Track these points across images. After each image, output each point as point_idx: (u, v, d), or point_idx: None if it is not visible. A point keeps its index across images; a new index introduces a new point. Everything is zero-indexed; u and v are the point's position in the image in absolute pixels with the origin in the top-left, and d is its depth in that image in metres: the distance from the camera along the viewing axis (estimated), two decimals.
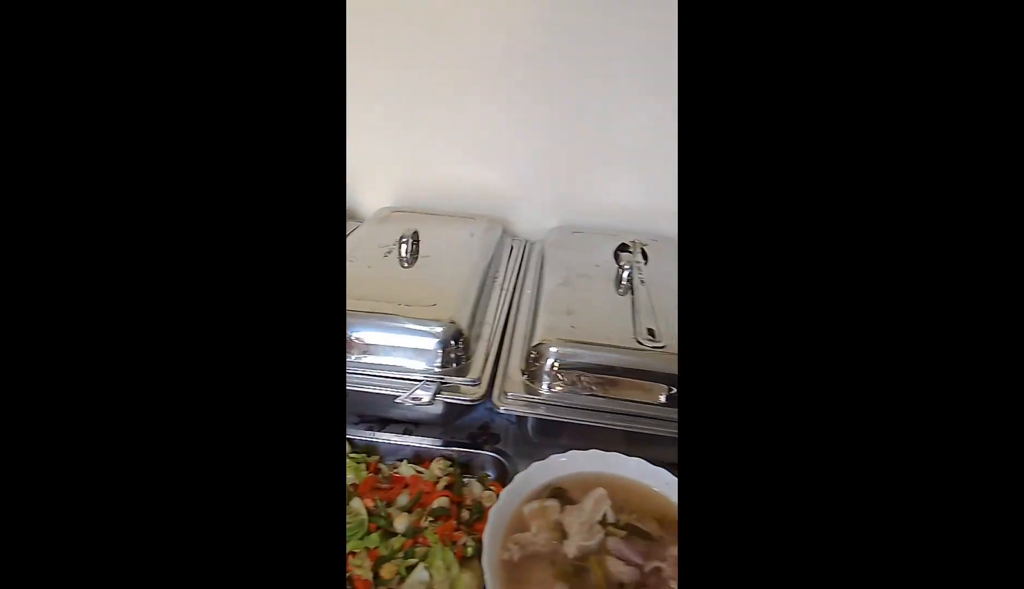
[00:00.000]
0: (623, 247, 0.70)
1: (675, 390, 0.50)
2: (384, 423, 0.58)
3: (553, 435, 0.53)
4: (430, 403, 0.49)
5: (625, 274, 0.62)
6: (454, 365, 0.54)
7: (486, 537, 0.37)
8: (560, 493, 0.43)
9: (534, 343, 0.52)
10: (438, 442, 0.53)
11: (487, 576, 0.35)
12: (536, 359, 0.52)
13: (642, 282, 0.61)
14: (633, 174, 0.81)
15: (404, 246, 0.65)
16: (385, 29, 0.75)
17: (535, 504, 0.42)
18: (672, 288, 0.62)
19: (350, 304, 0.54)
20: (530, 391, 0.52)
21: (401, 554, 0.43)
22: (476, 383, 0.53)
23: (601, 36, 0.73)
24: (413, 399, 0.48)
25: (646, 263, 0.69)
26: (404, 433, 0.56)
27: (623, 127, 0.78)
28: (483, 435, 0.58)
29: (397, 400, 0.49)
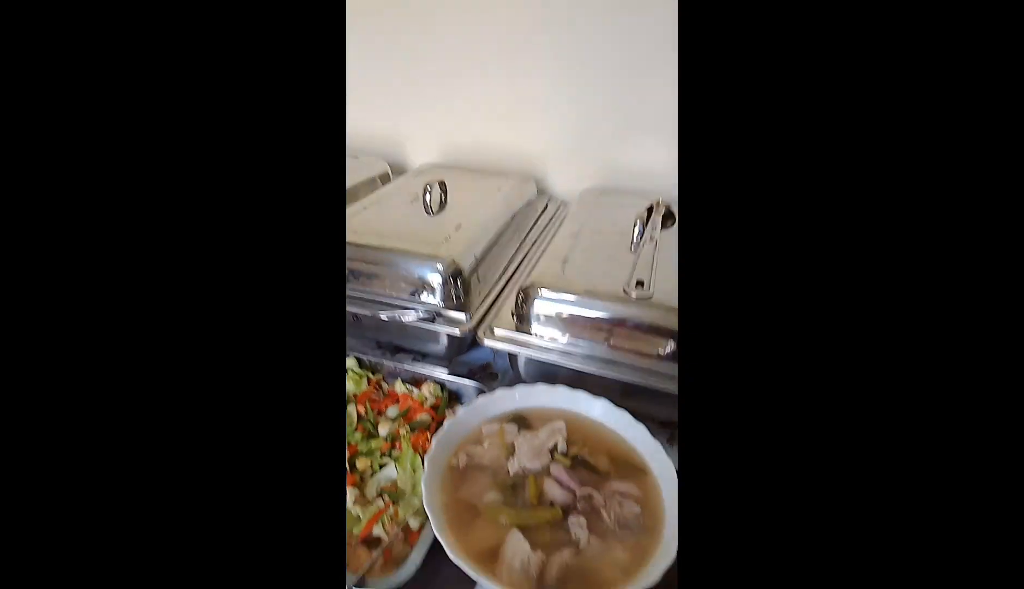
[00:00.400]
0: (650, 208, 0.68)
1: (664, 342, 0.49)
2: (396, 350, 0.64)
3: (547, 379, 0.55)
4: (409, 323, 0.54)
5: (636, 231, 0.60)
6: (454, 300, 0.58)
7: (435, 440, 0.41)
8: (521, 420, 0.45)
9: (524, 286, 0.54)
10: (441, 372, 0.58)
11: (425, 472, 0.38)
12: (524, 301, 0.53)
13: (651, 239, 0.59)
14: (666, 136, 0.77)
15: (429, 195, 0.70)
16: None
17: (495, 425, 0.45)
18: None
19: (371, 240, 0.60)
20: (521, 331, 0.54)
21: (378, 453, 0.48)
22: (468, 318, 0.56)
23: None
24: (389, 317, 0.53)
25: (672, 224, 0.66)
26: (412, 360, 0.62)
27: (660, 91, 0.74)
28: (482, 372, 0.62)
29: (383, 316, 0.54)
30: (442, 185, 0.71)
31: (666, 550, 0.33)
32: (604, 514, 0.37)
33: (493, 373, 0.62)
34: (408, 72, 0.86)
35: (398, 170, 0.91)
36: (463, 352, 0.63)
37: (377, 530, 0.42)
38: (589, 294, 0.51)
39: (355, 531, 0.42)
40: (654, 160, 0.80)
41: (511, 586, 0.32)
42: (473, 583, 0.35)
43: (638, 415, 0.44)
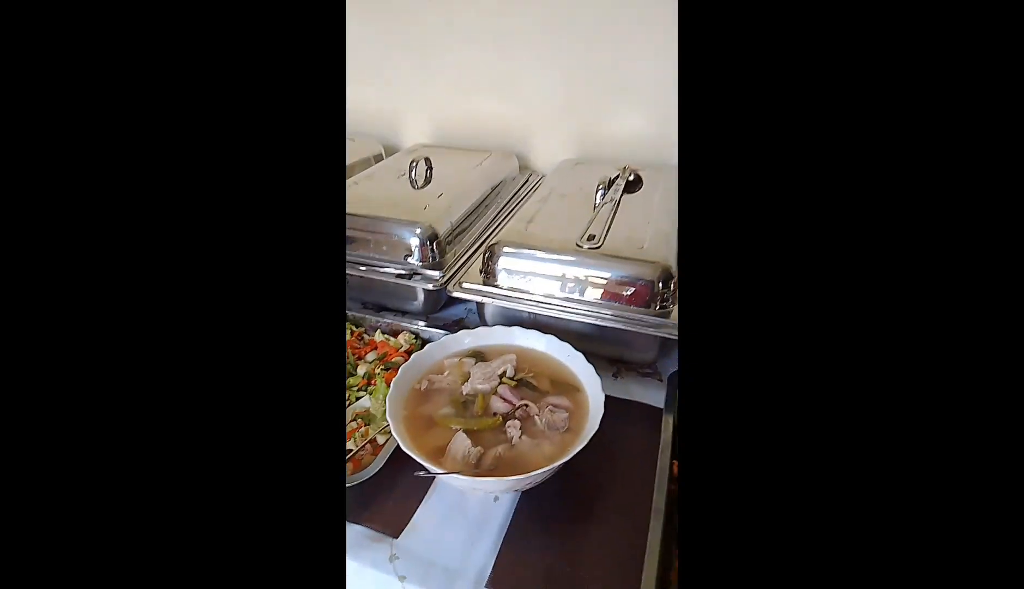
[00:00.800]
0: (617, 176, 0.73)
1: (612, 287, 0.54)
2: (380, 308, 0.71)
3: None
4: (388, 278, 0.61)
5: (599, 195, 0.65)
6: (431, 260, 0.64)
7: (401, 369, 0.47)
8: (479, 355, 0.51)
9: (490, 244, 0.60)
10: (419, 326, 0.64)
11: (391, 393, 0.45)
12: (490, 257, 0.59)
13: (612, 201, 0.64)
14: (646, 108, 0.82)
15: (414, 170, 0.76)
16: None
17: (456, 359, 0.51)
18: (639, 208, 0.65)
19: (359, 210, 0.67)
20: (488, 285, 0.60)
21: (356, 388, 0.55)
22: (442, 274, 0.62)
23: None
24: (377, 270, 0.60)
25: (639, 188, 0.71)
26: (395, 318, 0.68)
27: (636, 62, 0.79)
28: (456, 327, 0.68)
29: (362, 269, 0.62)
30: (427, 161, 0.77)
31: (581, 441, 0.39)
32: (537, 420, 0.43)
33: (466, 327, 0.68)
34: (404, 60, 0.93)
35: (392, 151, 0.98)
36: (439, 308, 0.69)
37: (350, 444, 0.48)
38: (546, 248, 0.57)
39: None
40: (630, 132, 0.85)
41: (452, 469, 0.38)
42: (423, 486, 0.41)
43: (589, 354, 0.49)
